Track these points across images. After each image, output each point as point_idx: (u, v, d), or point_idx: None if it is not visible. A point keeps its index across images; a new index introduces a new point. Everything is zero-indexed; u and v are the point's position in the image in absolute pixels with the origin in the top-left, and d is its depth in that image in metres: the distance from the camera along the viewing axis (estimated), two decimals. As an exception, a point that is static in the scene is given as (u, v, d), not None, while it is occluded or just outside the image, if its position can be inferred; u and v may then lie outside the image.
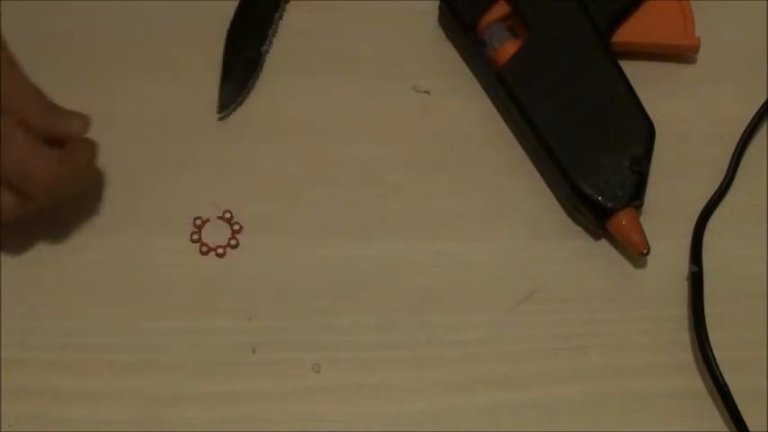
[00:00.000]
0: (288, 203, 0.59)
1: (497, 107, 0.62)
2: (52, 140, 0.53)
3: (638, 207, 0.58)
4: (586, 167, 0.58)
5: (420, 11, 0.64)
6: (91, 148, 0.55)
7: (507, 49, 0.60)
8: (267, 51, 0.63)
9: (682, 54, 0.63)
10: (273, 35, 0.63)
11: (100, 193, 0.59)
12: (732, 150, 0.61)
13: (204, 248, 0.58)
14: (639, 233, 0.58)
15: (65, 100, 0.54)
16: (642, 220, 0.58)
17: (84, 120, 0.54)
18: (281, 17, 0.64)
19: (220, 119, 0.61)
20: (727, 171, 0.60)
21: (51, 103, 0.54)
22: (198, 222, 0.59)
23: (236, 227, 0.59)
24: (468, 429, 0.55)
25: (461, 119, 0.62)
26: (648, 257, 0.58)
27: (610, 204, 0.57)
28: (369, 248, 0.58)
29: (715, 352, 0.55)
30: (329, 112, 0.61)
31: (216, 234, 0.59)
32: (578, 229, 0.60)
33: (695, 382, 0.56)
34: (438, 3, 0.63)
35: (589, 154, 0.58)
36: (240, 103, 0.61)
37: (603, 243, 0.59)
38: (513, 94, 0.60)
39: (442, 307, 0.57)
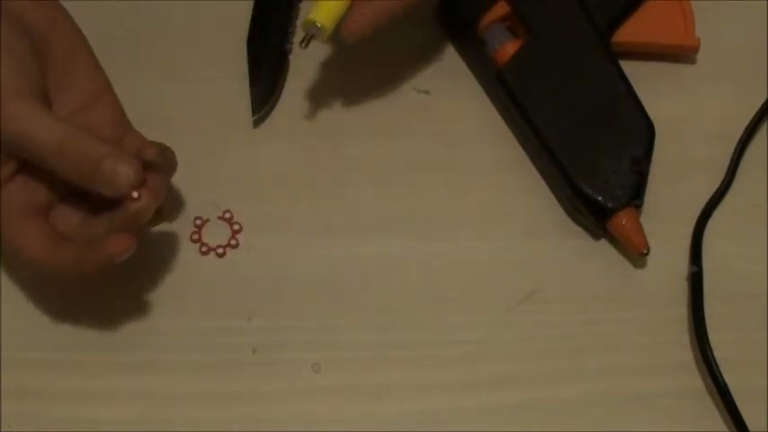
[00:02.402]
0: (288, 203, 0.59)
1: (497, 107, 0.62)
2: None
3: (638, 207, 0.58)
4: (586, 167, 0.58)
5: (420, 11, 0.64)
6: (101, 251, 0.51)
7: (507, 49, 0.60)
8: (290, 50, 0.62)
9: (682, 54, 0.63)
10: (293, 34, 0.63)
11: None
12: (732, 150, 0.61)
13: (204, 248, 0.58)
14: (639, 233, 0.57)
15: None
16: (642, 220, 0.58)
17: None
18: (296, 15, 0.63)
19: (256, 121, 0.61)
20: (727, 171, 0.60)
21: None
22: (198, 222, 0.59)
23: (236, 227, 0.59)
24: (468, 429, 0.55)
25: (461, 119, 0.62)
26: (648, 257, 0.58)
27: (610, 204, 0.57)
28: (369, 248, 0.58)
29: (715, 352, 0.55)
30: (329, 112, 0.61)
31: (216, 234, 0.59)
32: (578, 229, 0.60)
33: (695, 382, 0.56)
34: (438, 3, 0.63)
35: (589, 154, 0.58)
36: (274, 104, 0.61)
37: (603, 243, 0.59)
38: (513, 94, 0.60)
39: (442, 307, 0.57)
